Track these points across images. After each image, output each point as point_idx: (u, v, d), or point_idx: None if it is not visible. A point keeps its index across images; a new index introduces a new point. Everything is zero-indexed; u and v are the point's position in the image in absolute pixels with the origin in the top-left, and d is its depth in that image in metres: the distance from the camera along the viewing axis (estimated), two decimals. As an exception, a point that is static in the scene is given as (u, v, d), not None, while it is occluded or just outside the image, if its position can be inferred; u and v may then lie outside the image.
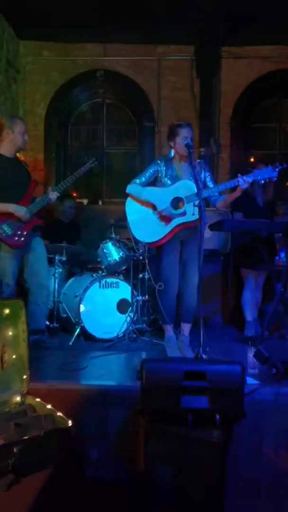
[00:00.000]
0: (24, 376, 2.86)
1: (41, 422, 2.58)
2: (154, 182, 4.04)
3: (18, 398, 2.80)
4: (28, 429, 2.51)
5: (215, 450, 2.39)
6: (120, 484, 2.79)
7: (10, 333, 2.82)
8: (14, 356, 2.83)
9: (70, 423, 2.58)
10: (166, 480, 2.43)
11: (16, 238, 4.10)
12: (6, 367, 2.78)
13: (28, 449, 2.40)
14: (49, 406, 2.72)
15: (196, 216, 3.63)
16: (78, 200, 7.12)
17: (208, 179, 4.04)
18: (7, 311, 2.81)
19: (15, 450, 2.35)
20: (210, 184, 4.01)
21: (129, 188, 4.03)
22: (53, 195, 4.26)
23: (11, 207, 4.08)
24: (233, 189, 3.85)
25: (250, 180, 3.76)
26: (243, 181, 3.73)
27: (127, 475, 2.83)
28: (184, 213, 3.85)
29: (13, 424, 2.55)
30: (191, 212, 3.80)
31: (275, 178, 3.82)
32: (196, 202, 3.59)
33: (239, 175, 3.78)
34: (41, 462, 2.50)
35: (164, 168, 3.99)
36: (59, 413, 2.65)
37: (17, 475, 2.38)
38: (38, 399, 2.80)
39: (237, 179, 3.76)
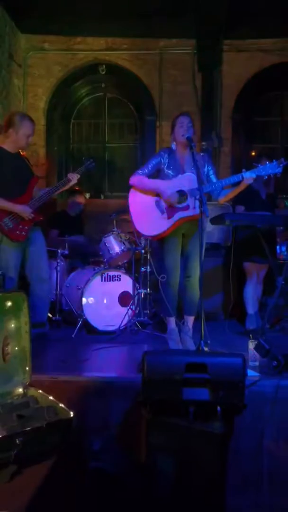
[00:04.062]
0: (27, 368, 2.88)
1: (44, 413, 2.61)
2: (156, 174, 4.03)
3: (20, 390, 2.82)
4: (31, 421, 2.54)
5: (216, 442, 2.40)
6: (122, 475, 2.80)
7: (13, 325, 2.84)
8: (16, 348, 2.85)
9: (72, 414, 2.61)
10: (167, 471, 2.44)
11: (18, 232, 4.13)
12: (9, 359, 2.80)
13: (30, 440, 2.43)
14: (51, 398, 2.75)
15: (198, 210, 3.63)
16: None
17: (211, 172, 4.04)
18: (9, 303, 2.83)
19: (17, 441, 2.38)
20: (213, 178, 4.01)
21: (133, 179, 4.03)
22: (73, 177, 4.35)
23: (17, 208, 4.11)
24: (236, 183, 3.84)
25: (254, 175, 3.75)
26: (248, 177, 3.73)
27: (128, 466, 2.85)
28: (187, 207, 3.85)
29: (16, 415, 2.57)
30: (194, 206, 3.80)
31: (279, 174, 3.82)
32: (198, 196, 3.59)
33: (243, 170, 3.77)
34: (44, 453, 2.53)
35: (167, 159, 3.98)
36: (61, 405, 2.67)
37: (19, 466, 2.41)
38: (40, 391, 2.83)
39: (241, 174, 3.75)
